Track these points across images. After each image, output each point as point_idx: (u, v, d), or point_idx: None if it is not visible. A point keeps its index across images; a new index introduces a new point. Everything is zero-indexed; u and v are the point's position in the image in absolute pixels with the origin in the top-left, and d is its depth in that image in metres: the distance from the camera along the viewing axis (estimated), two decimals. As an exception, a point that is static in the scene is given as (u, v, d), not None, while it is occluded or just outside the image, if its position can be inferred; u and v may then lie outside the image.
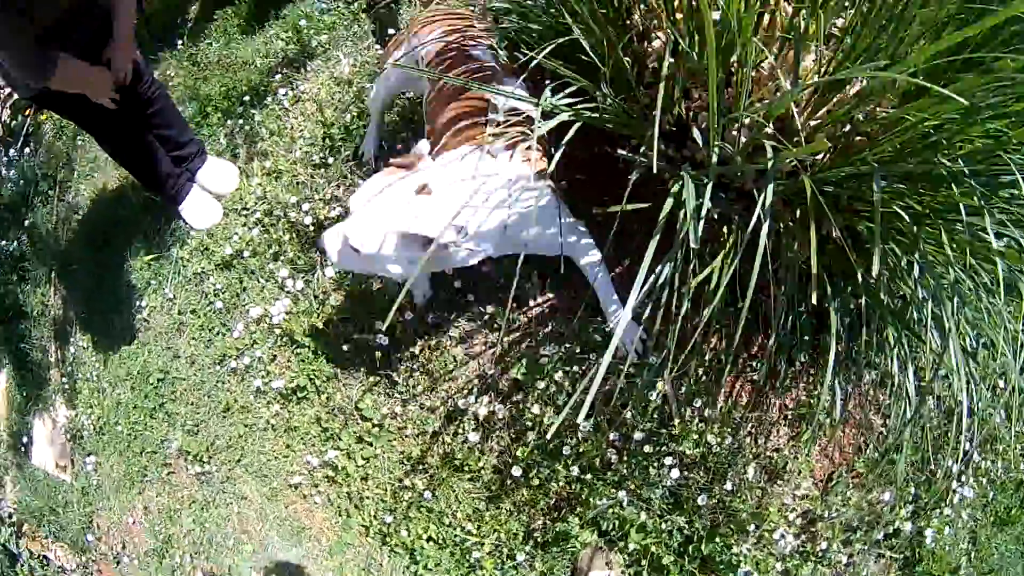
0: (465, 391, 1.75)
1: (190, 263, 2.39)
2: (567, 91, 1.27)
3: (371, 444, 1.83)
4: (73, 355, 2.74)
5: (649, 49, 1.44)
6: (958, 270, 1.21)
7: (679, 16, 1.33)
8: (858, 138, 1.21)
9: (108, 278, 2.76)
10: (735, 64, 1.22)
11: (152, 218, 2.67)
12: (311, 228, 2.07)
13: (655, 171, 1.15)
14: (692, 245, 1.08)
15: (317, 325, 1.95)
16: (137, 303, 2.51)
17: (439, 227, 1.25)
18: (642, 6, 1.46)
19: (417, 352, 1.80)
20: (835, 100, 1.25)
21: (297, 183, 2.24)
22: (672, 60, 1.30)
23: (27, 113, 4.06)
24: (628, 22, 1.43)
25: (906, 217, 1.14)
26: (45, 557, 2.67)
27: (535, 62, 1.23)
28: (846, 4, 1.24)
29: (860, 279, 1.24)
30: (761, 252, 1.05)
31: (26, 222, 3.33)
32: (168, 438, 2.19)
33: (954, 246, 1.13)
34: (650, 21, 1.46)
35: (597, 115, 1.33)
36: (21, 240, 3.29)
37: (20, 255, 3.25)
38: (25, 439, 2.85)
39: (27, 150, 3.82)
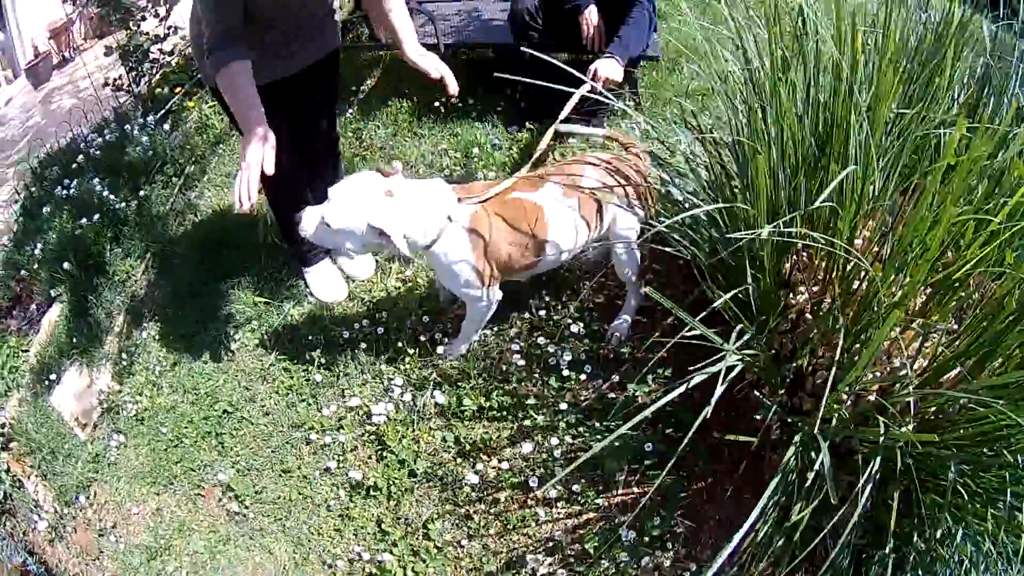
0: (533, 547, 1.91)
1: (300, 326, 2.60)
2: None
3: (425, 562, 1.94)
4: (141, 339, 2.90)
5: (792, 300, 1.70)
6: (990, 541, 1.46)
7: (829, 276, 1.61)
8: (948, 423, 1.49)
9: (206, 292, 2.96)
10: (863, 337, 1.48)
11: (273, 262, 2.91)
12: (432, 348, 2.30)
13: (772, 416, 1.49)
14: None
15: (413, 440, 2.13)
16: (230, 332, 2.69)
17: (391, 224, 1.78)
18: (795, 258, 1.73)
19: (502, 499, 1.98)
20: (935, 387, 1.49)
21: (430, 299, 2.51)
22: (809, 316, 1.62)
23: (177, 90, 4.46)
24: (781, 272, 1.71)
25: (964, 494, 1.39)
26: (21, 482, 2.71)
27: (717, 303, 1.55)
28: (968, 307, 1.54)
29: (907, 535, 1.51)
30: (859, 512, 1.34)
31: (141, 192, 3.58)
32: (215, 466, 2.33)
33: (994, 521, 1.39)
34: (800, 275, 1.73)
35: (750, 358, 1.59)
36: (130, 205, 3.52)
37: (124, 218, 3.45)
38: (53, 376, 2.95)
39: (166, 126, 4.16)
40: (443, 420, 2.18)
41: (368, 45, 4.20)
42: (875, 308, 1.42)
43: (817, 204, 1.39)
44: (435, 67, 2.12)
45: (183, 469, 2.40)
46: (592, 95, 2.05)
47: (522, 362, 2.21)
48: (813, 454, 1.41)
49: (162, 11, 4.38)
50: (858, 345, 1.48)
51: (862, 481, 1.36)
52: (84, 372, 2.96)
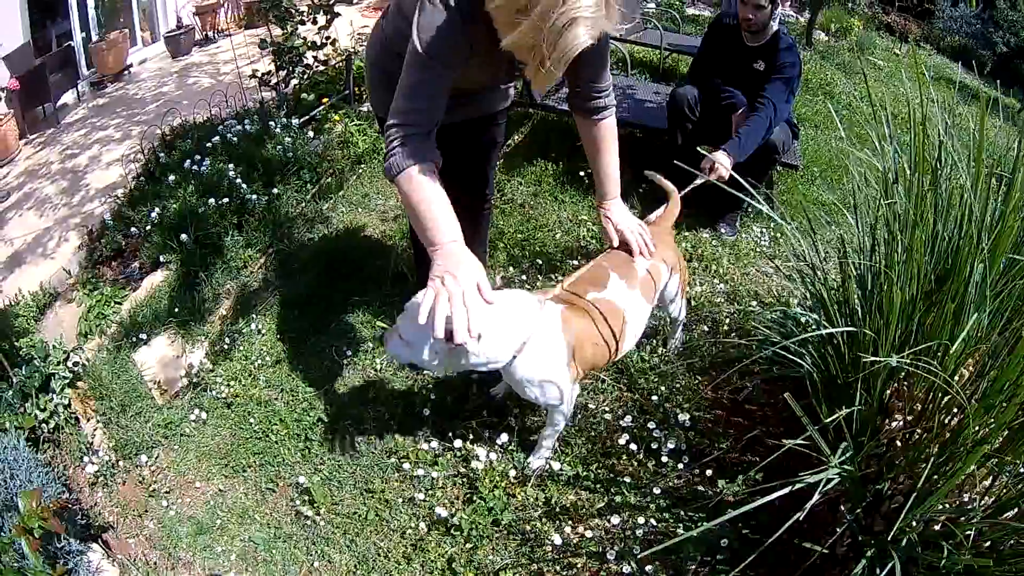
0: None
1: None
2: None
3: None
4: (247, 329, 3.29)
5: (887, 425, 1.92)
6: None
7: (925, 409, 1.84)
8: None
9: (323, 303, 3.35)
10: (944, 470, 1.71)
11: (398, 292, 3.30)
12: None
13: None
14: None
15: (505, 492, 2.39)
16: (342, 347, 3.06)
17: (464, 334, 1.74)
18: (896, 386, 1.94)
19: (577, 564, 2.20)
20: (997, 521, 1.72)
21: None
22: (899, 444, 1.86)
23: (324, 101, 5.08)
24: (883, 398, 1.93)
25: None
26: (78, 419, 3.04)
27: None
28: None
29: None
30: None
31: (275, 190, 4.09)
32: (295, 468, 2.61)
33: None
34: (899, 403, 1.94)
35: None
36: (260, 199, 4.03)
37: (251, 208, 3.94)
38: (144, 336, 3.35)
39: (308, 132, 4.75)
40: (538, 480, 2.45)
41: (520, 102, 4.71)
42: (960, 443, 1.67)
43: (935, 342, 1.72)
44: (622, 236, 2.38)
45: (261, 461, 2.69)
46: (727, 187, 2.46)
47: (623, 441, 2.48)
48: (878, 569, 1.66)
49: (322, 20, 5.06)
50: (936, 476, 1.72)
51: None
52: (177, 342, 3.36)
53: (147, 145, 4.94)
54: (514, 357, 2.06)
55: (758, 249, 3.75)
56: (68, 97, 7.00)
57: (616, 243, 2.37)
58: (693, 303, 3.14)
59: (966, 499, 1.77)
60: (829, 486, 1.72)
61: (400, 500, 2.46)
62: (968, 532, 1.67)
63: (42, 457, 2.77)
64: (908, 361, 1.70)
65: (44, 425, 2.93)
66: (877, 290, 1.95)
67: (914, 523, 1.73)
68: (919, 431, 1.80)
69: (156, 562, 2.48)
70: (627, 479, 2.39)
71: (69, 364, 3.16)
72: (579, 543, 2.25)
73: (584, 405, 2.67)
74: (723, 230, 3.91)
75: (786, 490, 1.68)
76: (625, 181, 3.34)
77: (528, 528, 2.31)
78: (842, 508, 1.90)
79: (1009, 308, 1.83)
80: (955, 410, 1.77)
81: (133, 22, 8.15)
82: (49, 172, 5.53)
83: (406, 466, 2.54)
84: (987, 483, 1.76)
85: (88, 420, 3.09)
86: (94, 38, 7.43)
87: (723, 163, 3.11)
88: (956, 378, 1.76)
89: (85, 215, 4.74)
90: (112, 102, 6.89)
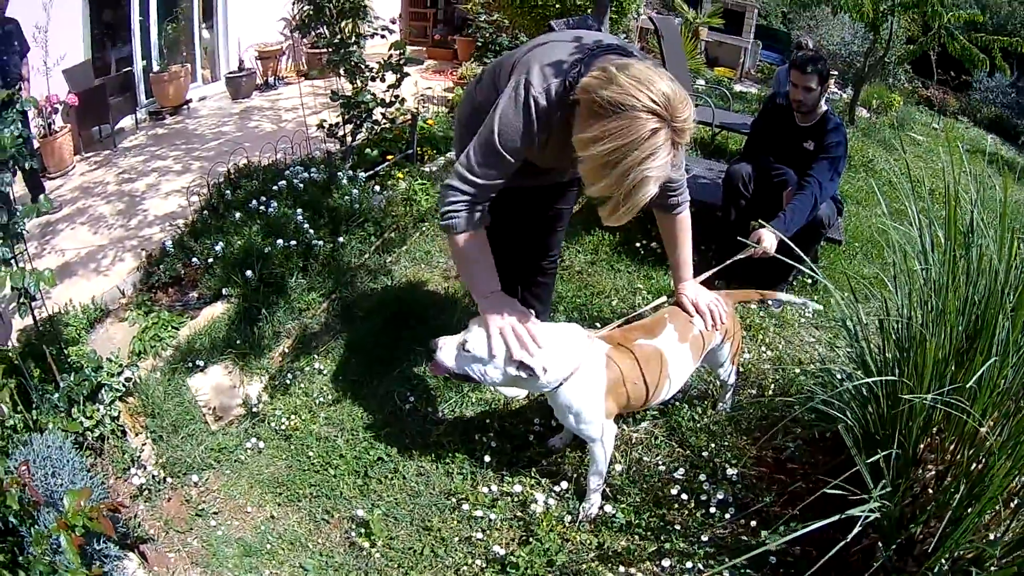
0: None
1: (476, 408, 3.32)
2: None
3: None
4: (307, 367, 3.66)
5: (917, 473, 2.24)
6: None
7: (954, 458, 2.17)
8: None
9: (385, 351, 3.72)
10: (971, 508, 2.01)
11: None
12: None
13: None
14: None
15: (560, 535, 2.68)
16: (404, 393, 3.42)
17: (536, 360, 2.30)
18: (928, 439, 2.27)
19: None
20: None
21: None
22: (931, 492, 2.17)
23: (388, 157, 5.59)
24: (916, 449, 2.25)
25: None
26: (124, 431, 3.33)
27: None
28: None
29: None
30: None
31: (340, 239, 4.52)
32: (353, 502, 2.91)
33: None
34: (931, 455, 2.27)
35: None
36: (325, 245, 4.44)
37: (316, 254, 4.37)
38: (200, 363, 3.71)
39: (374, 185, 5.24)
40: (592, 526, 2.71)
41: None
42: (986, 480, 1.98)
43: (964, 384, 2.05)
44: (699, 310, 2.77)
45: (318, 493, 3.00)
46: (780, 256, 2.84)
47: (674, 491, 2.81)
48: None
49: (391, 79, 5.58)
50: (964, 514, 2.03)
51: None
52: (234, 373, 3.74)
53: (210, 180, 5.43)
54: (560, 383, 2.46)
55: (802, 319, 4.18)
56: (126, 122, 7.57)
57: (693, 315, 2.76)
58: (742, 369, 3.46)
59: (992, 537, 2.08)
60: (869, 519, 2.05)
61: (456, 539, 2.77)
62: (991, 561, 2.00)
63: (85, 461, 3.03)
64: (941, 400, 2.06)
65: (89, 433, 3.22)
66: (913, 349, 2.31)
67: (943, 560, 2.06)
68: (949, 478, 2.13)
69: (195, 578, 2.75)
70: (677, 527, 2.72)
71: (122, 378, 3.52)
72: None
73: (639, 459, 3.02)
74: (770, 302, 4.31)
75: (833, 519, 2.02)
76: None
77: (581, 569, 2.61)
78: (879, 545, 2.23)
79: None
80: (982, 455, 2.11)
81: (195, 58, 8.82)
82: (105, 192, 5.99)
83: (465, 507, 2.85)
84: (1008, 522, 2.09)
85: (136, 435, 3.42)
86: (155, 68, 8.06)
87: (769, 241, 3.51)
88: (984, 418, 2.12)
89: (142, 239, 5.14)
90: (171, 133, 7.42)
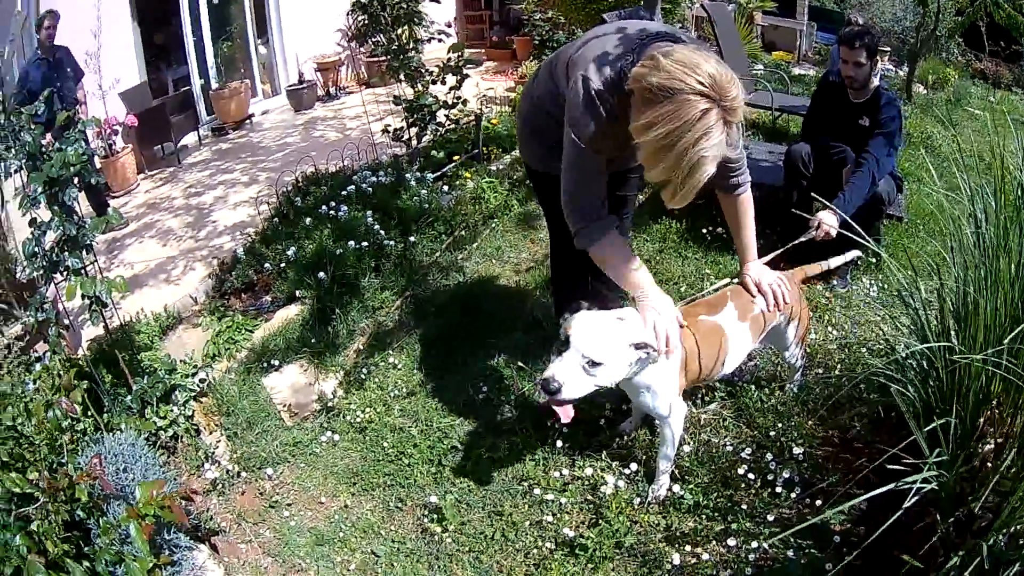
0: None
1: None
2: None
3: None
4: (382, 363, 3.81)
5: (979, 448, 2.26)
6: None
7: (1013, 431, 2.18)
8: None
9: (459, 345, 3.85)
10: None
11: (531, 338, 3.84)
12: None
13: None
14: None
15: (629, 517, 2.74)
16: (478, 384, 3.55)
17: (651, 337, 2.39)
18: (989, 413, 2.28)
19: None
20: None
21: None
22: (991, 464, 2.18)
23: (455, 158, 5.72)
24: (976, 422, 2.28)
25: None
26: (198, 429, 3.50)
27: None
28: None
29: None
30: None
31: (411, 238, 4.64)
32: (426, 490, 3.02)
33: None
34: (991, 428, 2.29)
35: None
36: (396, 245, 4.58)
37: (387, 253, 4.54)
38: (275, 362, 3.88)
39: (442, 186, 5.36)
40: (661, 507, 2.79)
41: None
42: None
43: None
44: (761, 291, 2.83)
45: (392, 482, 3.12)
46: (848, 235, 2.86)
47: (742, 471, 2.83)
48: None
49: (452, 80, 5.70)
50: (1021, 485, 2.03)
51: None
52: (310, 371, 3.91)
53: (279, 189, 5.63)
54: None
55: (867, 300, 4.20)
56: (189, 139, 7.87)
57: (756, 297, 2.83)
58: (809, 349, 3.50)
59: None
60: (926, 488, 2.09)
61: (527, 523, 2.86)
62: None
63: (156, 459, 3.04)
64: (992, 359, 2.10)
65: (162, 432, 3.40)
66: (969, 318, 2.35)
67: (1000, 535, 2.08)
68: (1008, 450, 2.14)
69: (267, 567, 2.90)
70: (743, 507, 2.79)
71: (196, 379, 3.71)
72: (696, 564, 2.63)
73: (707, 441, 3.09)
74: (835, 282, 4.37)
75: (888, 487, 2.08)
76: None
77: (648, 551, 2.70)
78: (938, 519, 2.24)
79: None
80: None
81: (253, 74, 9.12)
82: (171, 207, 6.26)
83: (536, 491, 2.94)
84: None
85: (211, 432, 3.59)
86: (214, 85, 8.37)
87: (829, 222, 3.56)
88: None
89: (213, 249, 5.36)
90: (235, 148, 7.67)
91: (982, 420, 2.30)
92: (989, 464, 2.22)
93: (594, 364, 2.35)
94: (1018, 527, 2.07)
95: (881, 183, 4.09)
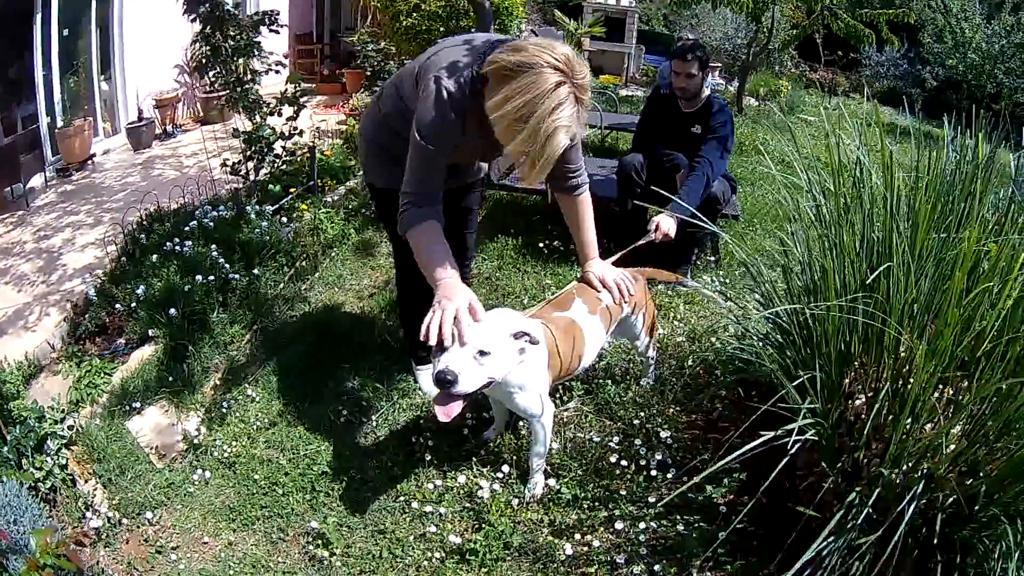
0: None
1: (409, 414, 3.22)
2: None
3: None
4: (241, 396, 3.50)
5: (850, 405, 2.23)
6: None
7: (879, 382, 2.15)
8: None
9: (313, 373, 3.58)
10: (908, 427, 2.00)
11: (383, 358, 3.61)
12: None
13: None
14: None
15: (511, 518, 2.62)
16: (338, 408, 3.30)
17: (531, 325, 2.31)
18: (852, 372, 2.26)
19: (591, 572, 2.42)
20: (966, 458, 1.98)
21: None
22: (863, 417, 2.13)
23: (292, 190, 5.38)
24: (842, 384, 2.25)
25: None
26: (74, 479, 3.09)
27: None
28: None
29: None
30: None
31: (255, 271, 4.35)
32: (305, 516, 2.78)
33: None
34: (856, 384, 2.27)
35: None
36: (242, 279, 4.24)
37: (233, 287, 4.18)
38: (136, 404, 3.51)
39: (281, 218, 5.02)
40: (540, 505, 2.66)
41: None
42: (912, 382, 1.98)
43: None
44: (605, 285, 2.72)
45: (270, 513, 2.85)
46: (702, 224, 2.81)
47: (614, 459, 2.78)
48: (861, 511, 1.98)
49: (289, 111, 5.36)
50: (905, 424, 2.01)
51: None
52: (170, 411, 3.54)
53: (124, 229, 5.16)
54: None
55: (712, 291, 4.14)
56: (36, 181, 7.06)
57: (600, 291, 2.72)
58: (659, 344, 3.42)
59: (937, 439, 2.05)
60: (806, 436, 2.04)
61: (411, 537, 2.67)
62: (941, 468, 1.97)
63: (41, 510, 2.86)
64: (849, 303, 2.09)
65: (40, 484, 2.99)
66: (818, 287, 2.34)
67: (894, 476, 2.04)
68: (879, 402, 2.09)
69: (166, 616, 2.60)
70: (623, 493, 2.69)
71: (65, 426, 3.28)
72: (588, 552, 2.51)
73: (573, 437, 2.96)
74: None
75: (769, 435, 2.01)
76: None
77: (537, 547, 2.55)
78: (824, 466, 2.19)
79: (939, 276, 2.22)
80: (904, 368, 2.13)
81: (95, 111, 8.28)
82: (24, 251, 5.65)
83: (414, 505, 2.75)
84: (956, 430, 2.06)
85: (86, 481, 3.20)
86: (59, 123, 7.53)
87: (667, 223, 3.50)
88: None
89: (64, 292, 4.86)
90: (80, 188, 7.01)
91: (847, 380, 2.28)
92: (863, 417, 2.18)
93: (483, 353, 2.18)
94: (907, 467, 2.05)
95: (716, 184, 4.08)
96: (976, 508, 1.94)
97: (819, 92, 13.61)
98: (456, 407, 2.21)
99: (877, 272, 2.12)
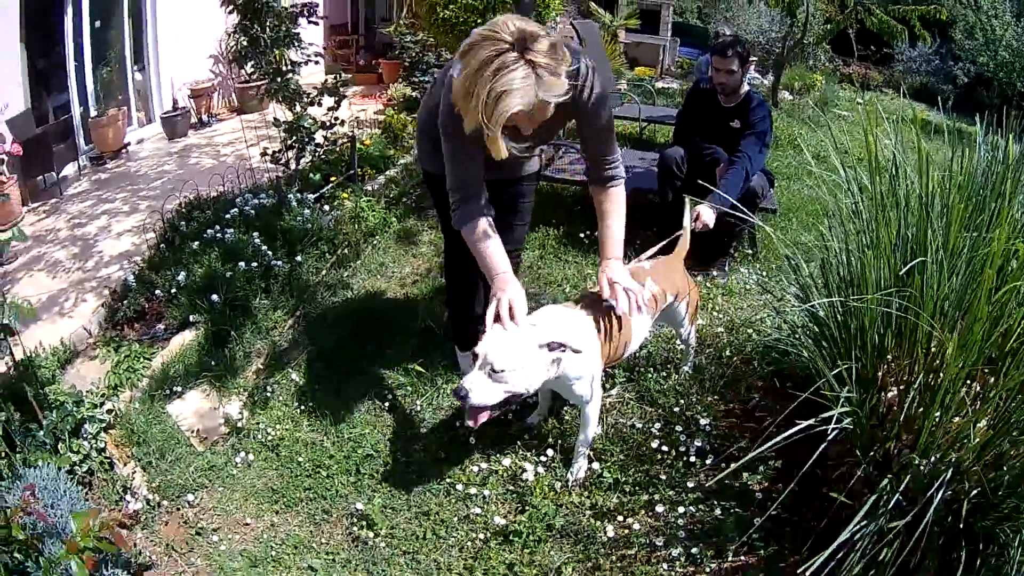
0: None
1: (449, 397, 3.24)
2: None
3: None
4: (284, 380, 3.55)
5: (883, 397, 2.28)
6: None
7: (911, 375, 2.21)
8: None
9: (357, 357, 3.63)
10: (938, 419, 2.05)
11: (427, 344, 3.63)
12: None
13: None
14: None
15: (554, 500, 2.66)
16: (382, 392, 3.34)
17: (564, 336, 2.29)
18: (885, 366, 2.32)
19: (630, 555, 2.46)
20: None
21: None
22: (895, 409, 2.20)
23: (332, 179, 5.44)
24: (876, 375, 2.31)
25: None
26: (112, 463, 3.14)
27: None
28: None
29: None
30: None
31: (297, 258, 4.38)
32: (349, 498, 2.81)
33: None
34: (889, 377, 2.33)
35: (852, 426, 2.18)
36: (284, 265, 4.29)
37: (275, 274, 4.23)
38: (177, 389, 3.56)
39: (324, 205, 5.08)
40: (583, 488, 2.70)
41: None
42: (942, 375, 2.04)
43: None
44: (611, 290, 2.60)
45: (313, 495, 2.88)
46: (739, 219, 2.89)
47: (655, 445, 2.79)
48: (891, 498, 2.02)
49: (330, 102, 5.41)
50: (935, 416, 2.06)
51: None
52: (212, 395, 3.59)
53: (162, 216, 5.23)
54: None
55: (747, 287, 4.25)
56: (69, 170, 7.15)
57: (607, 295, 2.59)
58: (698, 334, 3.44)
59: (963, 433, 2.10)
60: (842, 425, 2.10)
61: (456, 519, 2.71)
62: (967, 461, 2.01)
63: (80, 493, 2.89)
64: (886, 298, 2.13)
65: (77, 468, 3.03)
66: (855, 280, 2.40)
67: (921, 466, 2.09)
68: (910, 395, 2.16)
69: (204, 596, 2.62)
70: (662, 478, 2.73)
71: (103, 410, 3.32)
72: (629, 535, 2.54)
73: (615, 423, 3.01)
74: (715, 274, 4.38)
75: (807, 423, 2.07)
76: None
77: (579, 528, 2.59)
78: (858, 454, 2.25)
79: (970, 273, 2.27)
80: (936, 362, 2.16)
81: (129, 101, 8.40)
82: (57, 239, 5.70)
83: (459, 488, 2.79)
84: (982, 424, 2.10)
85: (125, 464, 3.23)
86: (92, 113, 7.66)
87: (707, 214, 3.58)
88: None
89: (101, 279, 4.90)
90: (114, 177, 7.08)
91: (880, 373, 2.32)
92: (895, 408, 2.23)
93: (496, 371, 2.25)
94: (935, 458, 2.08)
95: (754, 179, 4.11)
96: (999, 499, 1.99)
97: (853, 87, 13.60)
98: (483, 416, 2.35)
99: (910, 265, 2.18)
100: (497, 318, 2.32)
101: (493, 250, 2.45)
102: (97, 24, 7.83)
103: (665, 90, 10.56)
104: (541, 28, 2.09)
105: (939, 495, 1.93)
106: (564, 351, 2.32)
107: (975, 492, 1.99)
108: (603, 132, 2.60)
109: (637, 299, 2.58)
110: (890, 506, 2.03)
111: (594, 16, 12.79)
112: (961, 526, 1.95)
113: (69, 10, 7.37)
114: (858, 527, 2.02)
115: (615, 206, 2.70)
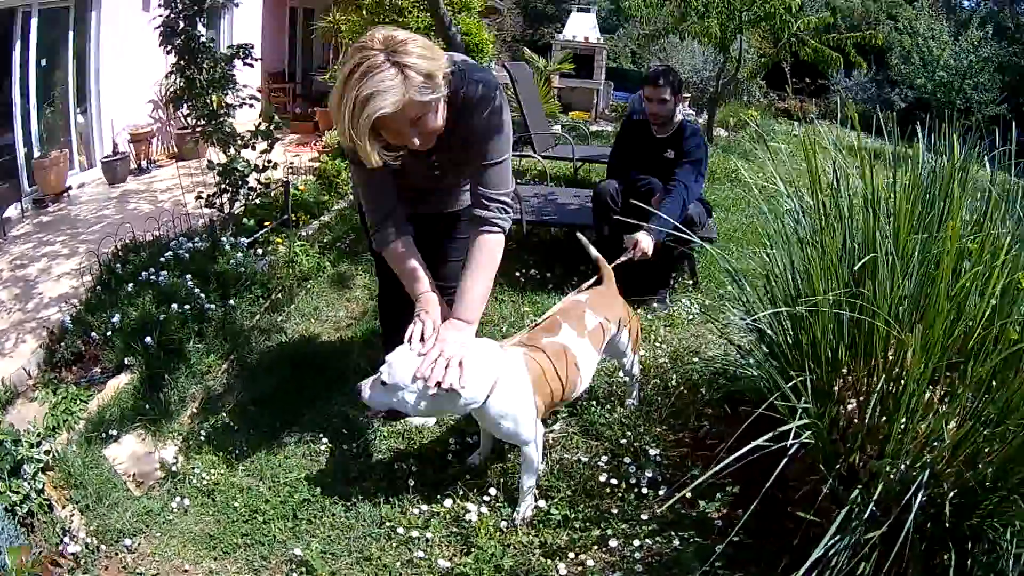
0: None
1: (391, 440, 3.15)
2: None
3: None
4: (219, 424, 3.42)
5: (842, 410, 2.20)
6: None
7: (870, 385, 2.12)
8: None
9: (291, 401, 3.51)
10: (904, 424, 1.97)
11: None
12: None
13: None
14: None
15: (500, 541, 2.52)
16: (318, 436, 3.22)
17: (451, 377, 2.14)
18: (841, 380, 2.25)
19: None
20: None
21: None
22: (856, 421, 2.14)
23: (267, 224, 5.31)
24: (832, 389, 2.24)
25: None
26: (51, 505, 2.98)
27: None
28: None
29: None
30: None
31: (231, 301, 4.27)
32: (288, 544, 2.67)
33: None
34: (846, 391, 2.25)
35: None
36: (217, 309, 4.19)
37: (209, 317, 4.13)
38: (113, 432, 3.42)
39: (258, 250, 4.96)
40: (530, 527, 2.62)
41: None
42: (905, 379, 1.97)
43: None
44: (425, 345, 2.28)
45: (251, 541, 2.74)
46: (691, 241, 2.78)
47: (603, 478, 2.71)
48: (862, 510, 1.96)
49: (263, 144, 5.24)
50: (901, 422, 1.99)
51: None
52: (147, 439, 3.47)
53: (100, 259, 5.08)
54: (487, 397, 2.30)
55: (689, 316, 4.17)
56: (12, 211, 6.90)
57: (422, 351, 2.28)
58: (641, 365, 3.38)
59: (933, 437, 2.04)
60: (801, 437, 2.01)
61: (398, 563, 2.56)
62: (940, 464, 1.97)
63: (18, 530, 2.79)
64: (838, 299, 2.09)
65: (18, 508, 2.88)
66: (802, 294, 2.33)
67: (891, 475, 2.01)
68: (871, 404, 2.09)
69: (147, 647, 2.51)
70: (614, 511, 2.63)
71: (41, 451, 3.17)
72: (583, 572, 2.42)
73: (559, 459, 2.90)
74: (656, 305, 4.29)
75: (767, 437, 1.97)
76: (558, 275, 3.68)
77: (531, 567, 2.46)
78: (822, 468, 2.15)
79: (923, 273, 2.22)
80: (895, 370, 2.10)
81: (71, 144, 8.12)
82: (0, 279, 5.53)
83: (400, 530, 2.65)
84: (951, 427, 2.02)
85: (64, 507, 3.09)
86: (36, 154, 7.37)
87: (645, 241, 3.48)
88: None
89: (40, 320, 4.76)
90: (56, 220, 6.91)
91: (836, 387, 2.27)
92: (856, 420, 2.19)
93: (384, 384, 2.23)
94: (906, 464, 2.02)
95: (691, 207, 4.06)
96: (983, 495, 1.93)
97: (788, 121, 13.46)
98: (380, 411, 2.40)
99: (862, 262, 2.13)
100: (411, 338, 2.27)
101: (412, 269, 2.38)
102: (43, 62, 7.58)
103: (600, 133, 10.64)
104: (412, 34, 2.00)
105: (916, 500, 1.86)
106: (440, 389, 2.17)
107: (954, 493, 1.93)
108: (485, 150, 2.28)
109: (445, 366, 2.18)
110: (864, 518, 1.97)
111: (528, 61, 12.80)
112: (947, 526, 1.88)
113: (17, 44, 7.13)
114: (832, 542, 1.94)
115: (484, 257, 2.35)
